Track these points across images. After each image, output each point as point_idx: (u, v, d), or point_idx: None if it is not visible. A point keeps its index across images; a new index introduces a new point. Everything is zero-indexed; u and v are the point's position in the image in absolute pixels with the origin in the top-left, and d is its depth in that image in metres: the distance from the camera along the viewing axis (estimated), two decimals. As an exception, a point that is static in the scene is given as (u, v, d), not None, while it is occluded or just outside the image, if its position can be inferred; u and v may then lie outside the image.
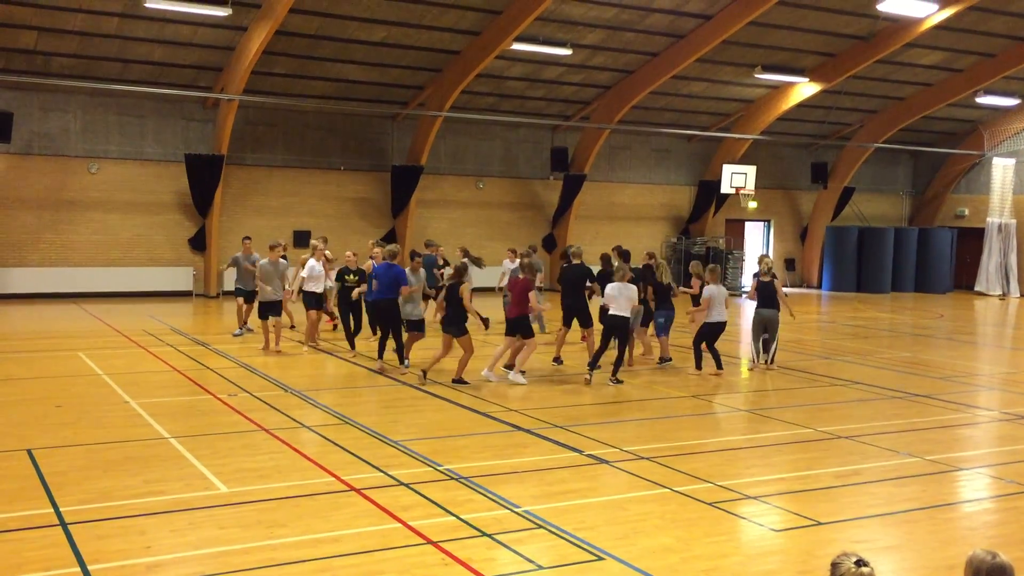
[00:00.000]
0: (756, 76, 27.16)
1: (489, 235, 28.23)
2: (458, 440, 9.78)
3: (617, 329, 13.07)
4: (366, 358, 14.76)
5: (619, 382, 13.08)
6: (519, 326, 13.30)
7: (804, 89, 28.06)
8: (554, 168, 28.80)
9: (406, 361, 13.72)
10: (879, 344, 18.76)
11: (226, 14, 19.85)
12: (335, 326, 17.52)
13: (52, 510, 7.13)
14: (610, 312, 13.00)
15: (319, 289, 15.87)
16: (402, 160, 27.01)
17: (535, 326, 15.36)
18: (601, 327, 13.44)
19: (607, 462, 8.92)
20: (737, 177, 30.18)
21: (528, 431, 10.14)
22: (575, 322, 14.56)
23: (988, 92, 29.84)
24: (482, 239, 27.86)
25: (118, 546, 6.42)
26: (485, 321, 13.94)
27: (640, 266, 15.45)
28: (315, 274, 15.75)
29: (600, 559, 6.39)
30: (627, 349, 13.85)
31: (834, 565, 3.57)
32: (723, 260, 29.69)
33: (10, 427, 9.94)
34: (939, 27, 24.57)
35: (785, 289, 14.60)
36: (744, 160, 30.87)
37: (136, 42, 21.96)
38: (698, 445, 9.80)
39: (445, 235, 26.16)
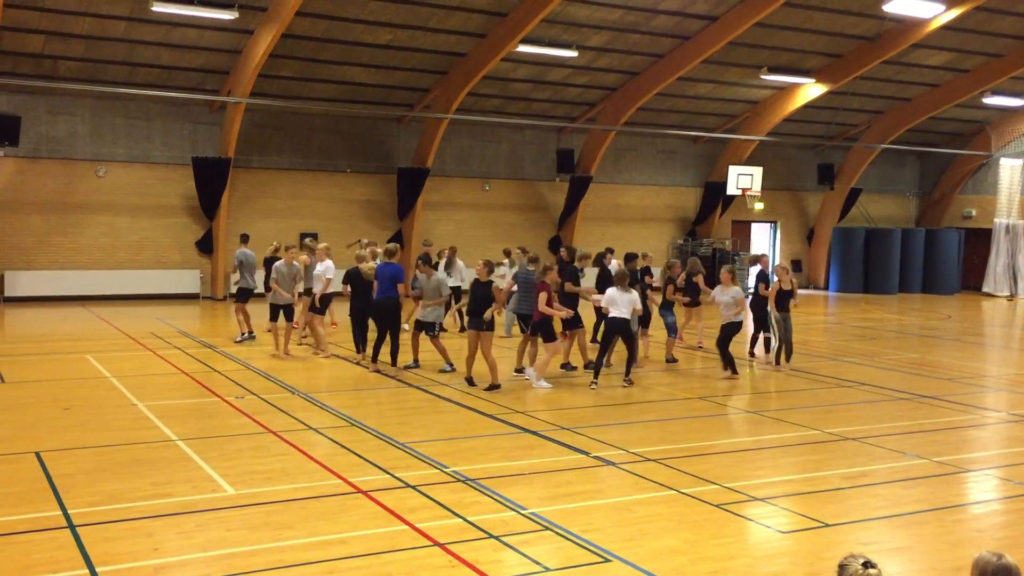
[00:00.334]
0: (762, 77, 27.14)
1: (495, 237, 28.20)
2: (465, 442, 9.79)
3: (620, 332, 13.07)
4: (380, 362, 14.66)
5: (631, 383, 13.09)
6: (541, 328, 13.13)
7: (810, 90, 28.01)
8: (560, 170, 28.78)
9: (413, 361, 13.68)
10: (886, 345, 18.72)
11: (233, 17, 19.92)
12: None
13: (60, 512, 7.16)
14: (611, 316, 12.97)
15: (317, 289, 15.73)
16: (408, 162, 27.04)
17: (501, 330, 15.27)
18: (598, 329, 13.39)
19: (614, 464, 8.92)
20: (743, 178, 30.18)
21: (535, 433, 10.14)
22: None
23: (995, 93, 29.77)
24: (488, 241, 27.85)
25: (126, 548, 6.44)
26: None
27: (638, 269, 15.45)
28: (317, 273, 15.67)
29: (607, 561, 6.39)
30: (635, 349, 13.85)
31: (842, 567, 3.57)
32: (729, 262, 29.62)
33: (19, 430, 9.98)
34: (945, 27, 24.51)
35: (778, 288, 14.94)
36: (750, 161, 30.88)
37: (143, 46, 22.02)
38: (705, 447, 9.78)
39: (451, 237, 26.14)
